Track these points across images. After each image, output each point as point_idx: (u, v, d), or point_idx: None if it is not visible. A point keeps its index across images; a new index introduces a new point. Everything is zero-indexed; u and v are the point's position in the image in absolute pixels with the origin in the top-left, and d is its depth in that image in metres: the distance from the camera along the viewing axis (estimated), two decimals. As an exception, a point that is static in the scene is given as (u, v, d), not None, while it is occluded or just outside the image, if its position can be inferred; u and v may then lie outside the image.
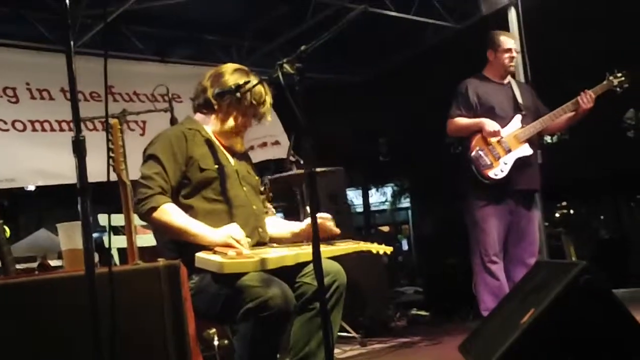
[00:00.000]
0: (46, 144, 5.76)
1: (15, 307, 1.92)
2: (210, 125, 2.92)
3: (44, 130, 5.85)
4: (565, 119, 4.63)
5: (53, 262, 4.84)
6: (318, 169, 3.75)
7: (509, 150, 4.53)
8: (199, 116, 2.97)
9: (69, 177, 5.74)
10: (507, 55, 4.71)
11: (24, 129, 5.74)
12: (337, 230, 2.89)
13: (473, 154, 4.54)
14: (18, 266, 4.09)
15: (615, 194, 14.22)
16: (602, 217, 15.35)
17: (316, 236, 2.24)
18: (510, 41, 4.74)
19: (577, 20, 9.62)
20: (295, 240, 2.96)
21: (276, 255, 2.59)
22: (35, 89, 5.92)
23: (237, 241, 2.57)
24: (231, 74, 2.87)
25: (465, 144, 4.65)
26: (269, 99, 2.91)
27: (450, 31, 7.23)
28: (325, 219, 2.85)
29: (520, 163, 4.54)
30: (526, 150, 4.56)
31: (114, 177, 2.78)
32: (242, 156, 3.03)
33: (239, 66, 2.95)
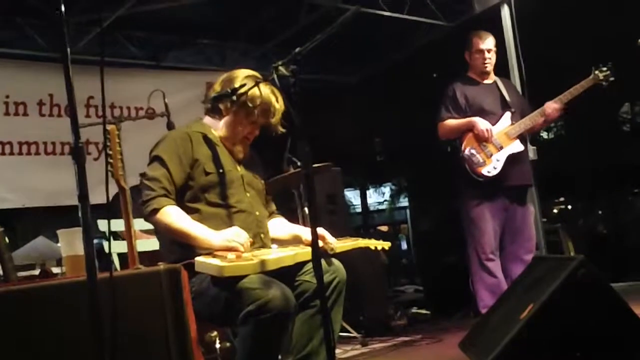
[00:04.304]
0: (4, 168, 5.77)
1: (18, 314, 1.93)
2: (218, 130, 2.90)
3: (3, 154, 5.78)
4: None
5: (52, 269, 4.85)
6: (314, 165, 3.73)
7: (501, 148, 4.56)
8: (208, 119, 2.95)
9: (32, 200, 5.89)
10: (479, 56, 4.73)
11: None
12: (331, 249, 2.81)
13: (465, 152, 4.56)
14: (18, 274, 4.10)
15: (612, 188, 14.23)
16: (599, 212, 15.36)
17: (315, 234, 2.25)
18: (482, 41, 4.73)
19: (571, 16, 9.64)
20: (295, 243, 2.94)
21: (275, 256, 2.59)
22: (12, 102, 5.81)
23: (240, 243, 2.56)
24: (242, 79, 2.79)
25: (456, 144, 4.68)
26: (277, 107, 2.85)
27: (444, 30, 7.25)
28: (322, 238, 2.75)
29: (512, 159, 4.57)
30: (517, 146, 4.61)
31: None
32: (250, 160, 3.00)
33: (251, 72, 2.89)
